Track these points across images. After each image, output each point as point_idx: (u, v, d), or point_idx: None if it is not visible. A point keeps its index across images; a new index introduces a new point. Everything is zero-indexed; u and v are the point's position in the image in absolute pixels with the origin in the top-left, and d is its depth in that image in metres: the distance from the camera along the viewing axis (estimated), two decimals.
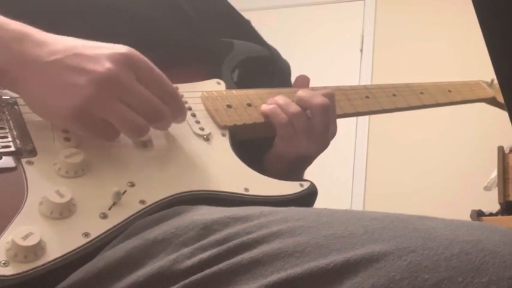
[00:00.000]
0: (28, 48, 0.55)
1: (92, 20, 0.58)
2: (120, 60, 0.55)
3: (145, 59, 0.57)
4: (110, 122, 0.56)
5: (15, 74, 0.55)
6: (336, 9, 3.64)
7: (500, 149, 1.84)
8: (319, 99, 0.73)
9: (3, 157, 0.54)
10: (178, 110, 0.61)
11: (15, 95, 0.60)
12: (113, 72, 0.54)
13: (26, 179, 0.53)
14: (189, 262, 0.43)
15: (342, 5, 3.64)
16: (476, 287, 0.34)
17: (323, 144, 0.76)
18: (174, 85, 0.61)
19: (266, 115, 0.74)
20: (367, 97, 0.86)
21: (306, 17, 3.65)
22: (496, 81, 1.07)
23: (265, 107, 0.74)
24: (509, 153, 1.83)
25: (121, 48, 0.56)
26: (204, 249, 0.44)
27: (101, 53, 0.55)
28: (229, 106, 0.72)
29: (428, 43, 3.31)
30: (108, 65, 0.54)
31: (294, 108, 0.72)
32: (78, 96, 0.53)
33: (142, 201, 0.55)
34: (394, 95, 0.89)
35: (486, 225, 0.39)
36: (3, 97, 0.60)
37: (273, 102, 0.74)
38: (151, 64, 0.58)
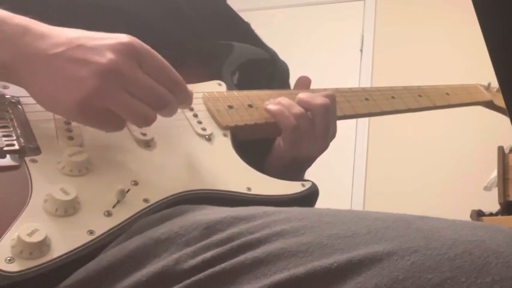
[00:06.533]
0: (31, 42, 0.55)
1: (93, 23, 0.58)
2: (123, 50, 0.55)
3: (148, 47, 0.57)
4: (114, 113, 0.56)
5: (19, 68, 0.55)
6: (336, 9, 3.64)
7: (500, 149, 1.84)
8: (319, 100, 0.74)
9: (7, 155, 0.54)
10: (183, 95, 0.61)
11: (18, 94, 0.61)
12: (115, 62, 0.54)
13: (30, 177, 0.53)
14: (192, 262, 0.43)
15: (342, 5, 3.64)
16: (479, 287, 0.34)
17: (323, 145, 0.76)
18: None
19: (273, 115, 0.73)
20: (366, 99, 0.86)
21: (306, 17, 3.64)
22: (493, 85, 1.08)
23: (272, 107, 0.73)
24: (509, 153, 1.83)
25: (123, 38, 0.56)
26: (207, 248, 0.44)
27: (103, 43, 0.55)
28: (230, 107, 0.73)
29: (428, 43, 3.32)
30: (110, 55, 0.54)
31: (298, 109, 0.72)
32: (82, 89, 0.53)
33: (145, 200, 0.55)
34: (392, 97, 0.90)
35: (489, 226, 0.40)
36: (6, 96, 0.61)
37: (276, 103, 0.74)
38: (154, 52, 0.58)
